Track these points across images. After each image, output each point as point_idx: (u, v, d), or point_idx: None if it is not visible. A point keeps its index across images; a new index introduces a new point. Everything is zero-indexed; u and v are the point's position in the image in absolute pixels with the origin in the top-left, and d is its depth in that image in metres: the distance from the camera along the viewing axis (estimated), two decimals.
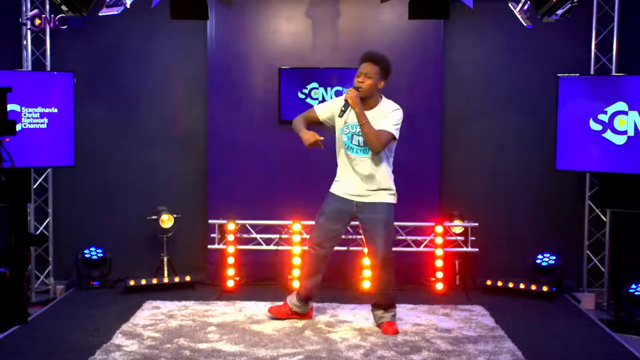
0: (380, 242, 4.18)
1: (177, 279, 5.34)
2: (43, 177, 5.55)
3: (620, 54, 5.32)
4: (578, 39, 5.49)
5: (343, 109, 4.15)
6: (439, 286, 5.32)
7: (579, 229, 5.56)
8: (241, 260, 5.41)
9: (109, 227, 5.73)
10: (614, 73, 5.30)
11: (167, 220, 5.41)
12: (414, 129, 5.52)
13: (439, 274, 5.33)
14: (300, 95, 5.52)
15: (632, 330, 4.53)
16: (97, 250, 5.47)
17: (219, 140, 5.60)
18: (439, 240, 5.32)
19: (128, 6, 4.83)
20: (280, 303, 4.57)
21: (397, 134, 4.16)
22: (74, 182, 5.66)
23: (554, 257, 5.36)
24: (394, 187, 4.28)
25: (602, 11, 5.38)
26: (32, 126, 5.08)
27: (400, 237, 5.39)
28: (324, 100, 5.46)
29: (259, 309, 4.72)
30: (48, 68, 5.47)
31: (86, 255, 5.43)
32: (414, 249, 5.43)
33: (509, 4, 4.86)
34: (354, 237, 5.24)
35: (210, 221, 5.42)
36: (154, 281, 5.28)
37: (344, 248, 5.24)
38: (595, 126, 5.09)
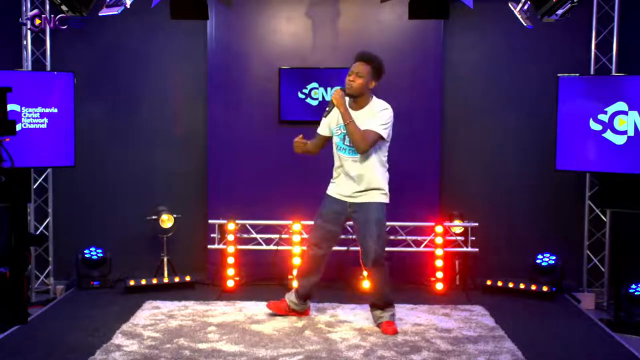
0: (372, 241, 4.19)
1: (177, 279, 5.34)
2: (43, 177, 5.55)
3: (620, 54, 5.32)
4: (578, 39, 5.49)
5: (328, 109, 4.21)
6: (439, 286, 5.32)
7: (579, 229, 5.56)
8: (241, 260, 5.42)
9: (109, 227, 5.73)
10: (614, 73, 5.30)
11: (167, 220, 5.41)
12: (414, 129, 5.53)
13: (439, 274, 5.33)
14: (300, 95, 5.52)
15: (632, 330, 4.53)
16: (97, 250, 5.47)
17: (219, 140, 5.60)
18: (439, 240, 5.32)
19: (128, 6, 4.83)
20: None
21: (385, 134, 4.16)
22: (74, 182, 5.66)
23: (554, 257, 5.36)
24: (386, 187, 4.29)
25: (602, 11, 5.38)
26: (32, 126, 5.08)
27: (400, 237, 5.40)
28: (324, 100, 5.47)
29: (259, 309, 4.72)
30: (48, 68, 5.47)
31: (86, 255, 5.43)
32: (414, 249, 5.43)
33: (509, 4, 4.86)
34: (353, 237, 5.22)
35: (210, 221, 5.42)
36: (154, 281, 5.28)
37: (344, 248, 5.24)
38: (595, 126, 5.09)
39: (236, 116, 5.60)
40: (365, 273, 5.11)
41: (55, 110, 5.15)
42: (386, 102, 4.26)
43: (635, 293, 4.85)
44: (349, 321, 4.50)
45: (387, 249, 5.18)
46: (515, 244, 5.66)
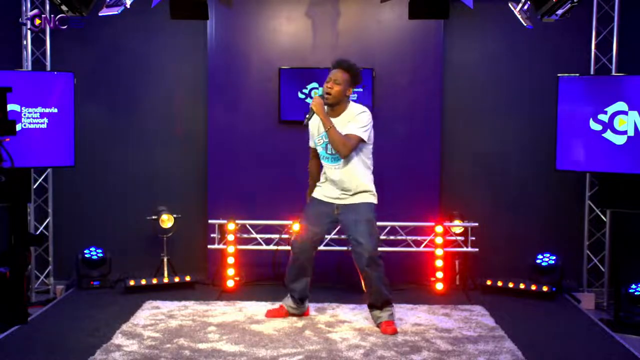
0: (365, 241, 4.18)
1: (177, 279, 5.34)
2: (43, 177, 5.55)
3: (620, 54, 5.32)
4: (578, 39, 5.49)
5: (308, 116, 4.28)
6: (439, 286, 5.32)
7: (579, 229, 5.55)
8: (241, 260, 5.42)
9: (109, 227, 5.73)
10: (614, 73, 5.30)
11: (167, 220, 5.41)
12: (414, 129, 5.53)
13: (439, 274, 5.33)
14: (300, 95, 5.52)
15: (632, 330, 4.52)
16: (97, 250, 5.47)
17: (219, 140, 5.60)
18: (439, 240, 5.32)
19: (128, 6, 4.83)
20: (277, 306, 4.63)
21: (365, 136, 4.19)
22: (74, 182, 5.66)
23: (554, 257, 5.36)
24: (373, 188, 4.33)
25: (602, 11, 5.38)
26: (32, 126, 5.08)
27: (400, 237, 5.40)
28: None
29: (259, 309, 4.72)
30: (48, 68, 5.47)
31: (86, 255, 5.43)
32: (414, 249, 5.43)
33: (509, 4, 4.86)
34: None
35: (210, 221, 5.42)
36: (154, 281, 5.28)
37: (344, 248, 5.24)
38: (595, 126, 5.09)
39: (236, 116, 5.60)
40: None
41: (55, 110, 5.15)
42: (363, 105, 4.31)
43: (635, 293, 4.85)
44: (349, 321, 4.50)
45: (387, 249, 5.23)
46: (515, 244, 5.65)
